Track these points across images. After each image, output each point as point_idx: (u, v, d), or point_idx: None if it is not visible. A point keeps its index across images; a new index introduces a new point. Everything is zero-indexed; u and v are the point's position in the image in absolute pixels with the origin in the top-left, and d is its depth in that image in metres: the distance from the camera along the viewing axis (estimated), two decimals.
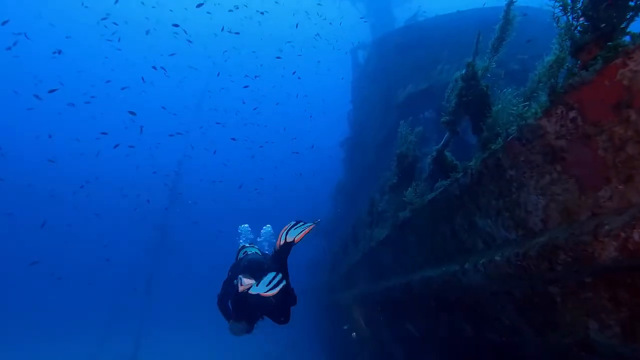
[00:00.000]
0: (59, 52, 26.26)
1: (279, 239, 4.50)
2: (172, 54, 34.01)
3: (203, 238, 42.91)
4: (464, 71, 4.09)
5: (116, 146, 27.91)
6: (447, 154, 4.69)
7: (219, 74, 34.79)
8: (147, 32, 38.42)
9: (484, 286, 3.86)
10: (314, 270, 21.26)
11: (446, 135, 4.61)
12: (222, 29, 31.43)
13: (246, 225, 9.45)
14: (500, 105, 3.44)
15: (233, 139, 33.64)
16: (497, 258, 3.38)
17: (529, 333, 3.72)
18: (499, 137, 3.22)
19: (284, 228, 4.53)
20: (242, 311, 4.91)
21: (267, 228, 9.46)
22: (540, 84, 2.93)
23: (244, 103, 37.06)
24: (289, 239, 4.42)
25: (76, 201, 41.73)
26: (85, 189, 38.86)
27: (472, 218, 3.97)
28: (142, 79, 30.71)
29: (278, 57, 32.62)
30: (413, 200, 5.09)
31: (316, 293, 18.44)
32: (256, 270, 4.73)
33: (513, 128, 3.00)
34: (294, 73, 33.72)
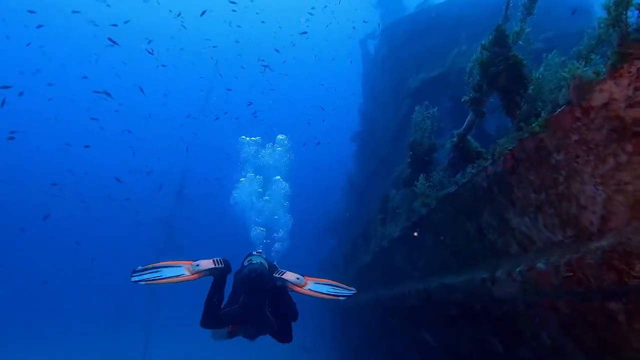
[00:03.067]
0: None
1: (307, 281, 4.17)
2: (150, 41, 32.29)
3: (209, 235, 42.45)
4: (490, 37, 3.39)
5: (87, 147, 27.18)
6: (471, 138, 3.99)
7: (220, 75, 33.63)
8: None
9: (520, 297, 3.17)
10: (326, 269, 20.66)
11: (469, 117, 3.89)
12: (202, 14, 29.34)
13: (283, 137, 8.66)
14: (544, 70, 2.72)
15: (254, 114, 32.25)
16: (541, 265, 2.68)
17: (577, 356, 3.01)
18: (543, 112, 2.52)
19: (325, 280, 4.18)
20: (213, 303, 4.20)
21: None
22: (603, 38, 2.21)
23: (229, 90, 34.82)
24: (306, 287, 4.08)
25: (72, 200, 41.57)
26: (82, 188, 38.59)
27: (503, 215, 3.28)
28: (125, 59, 29.36)
29: (304, 32, 29.82)
30: (429, 194, 4.41)
31: None
32: (255, 280, 4.27)
33: (563, 94, 2.29)
34: (284, 62, 32.43)
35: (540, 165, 2.68)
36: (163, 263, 4.03)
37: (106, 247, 42.95)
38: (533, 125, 2.61)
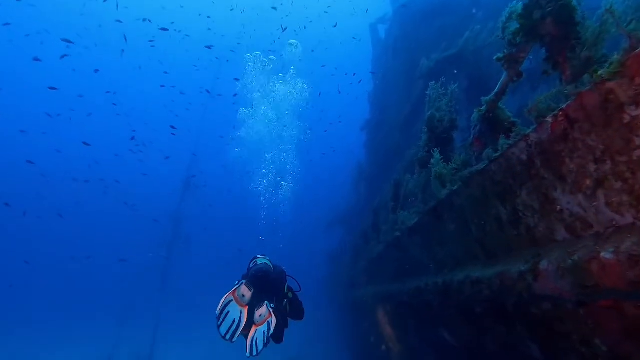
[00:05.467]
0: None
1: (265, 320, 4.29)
2: (145, 19, 30.77)
3: (218, 229, 42.08)
4: None
5: (86, 144, 26.47)
6: (503, 107, 3.36)
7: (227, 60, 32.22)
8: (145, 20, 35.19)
9: (570, 295, 2.57)
10: (335, 263, 20.17)
11: (502, 78, 3.25)
12: None
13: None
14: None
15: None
16: (607, 255, 2.08)
17: None
18: (616, 54, 1.90)
19: (271, 326, 4.28)
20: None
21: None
22: None
23: (227, 61, 33.32)
24: (254, 329, 4.21)
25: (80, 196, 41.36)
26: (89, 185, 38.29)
27: (548, 194, 2.67)
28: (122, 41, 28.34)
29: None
30: (450, 173, 3.80)
31: (338, 288, 17.36)
32: (261, 279, 4.69)
33: None
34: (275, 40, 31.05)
35: (607, 126, 2.07)
36: (221, 304, 4.26)
37: (109, 237, 42.86)
38: (599, 72, 1.99)
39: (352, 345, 15.83)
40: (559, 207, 2.62)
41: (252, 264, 5.27)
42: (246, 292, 4.35)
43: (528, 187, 2.85)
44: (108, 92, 36.09)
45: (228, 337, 4.13)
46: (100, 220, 45.96)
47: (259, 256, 5.45)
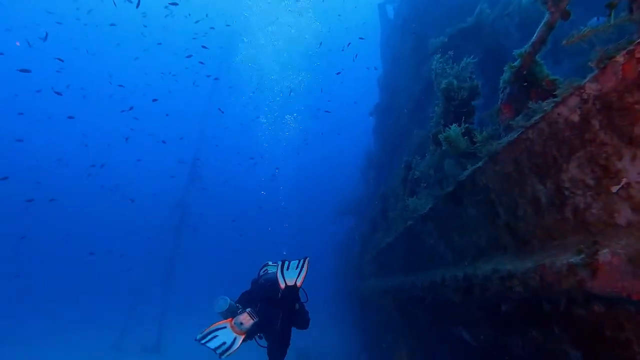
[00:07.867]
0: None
1: (280, 281, 4.34)
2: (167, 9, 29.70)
3: (224, 220, 41.75)
4: None
5: (70, 117, 25.92)
6: (541, 62, 2.72)
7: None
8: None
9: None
10: (344, 253, 19.68)
11: (544, 21, 2.59)
12: None
13: None
14: None
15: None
16: None
17: None
18: None
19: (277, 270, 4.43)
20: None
21: None
22: None
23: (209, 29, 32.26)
24: (290, 282, 4.27)
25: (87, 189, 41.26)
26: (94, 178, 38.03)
27: (607, 164, 2.05)
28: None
29: None
30: (457, 136, 3.19)
31: (347, 280, 16.87)
32: (271, 289, 4.56)
33: None
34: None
35: None
36: (211, 328, 4.10)
37: (110, 227, 42.83)
38: None
39: (362, 339, 15.39)
40: (624, 180, 2.00)
41: (262, 271, 5.14)
42: (246, 320, 4.07)
43: (579, 158, 2.23)
44: (110, 77, 35.49)
45: (219, 352, 3.84)
46: (100, 210, 46.04)
47: (270, 263, 5.29)
